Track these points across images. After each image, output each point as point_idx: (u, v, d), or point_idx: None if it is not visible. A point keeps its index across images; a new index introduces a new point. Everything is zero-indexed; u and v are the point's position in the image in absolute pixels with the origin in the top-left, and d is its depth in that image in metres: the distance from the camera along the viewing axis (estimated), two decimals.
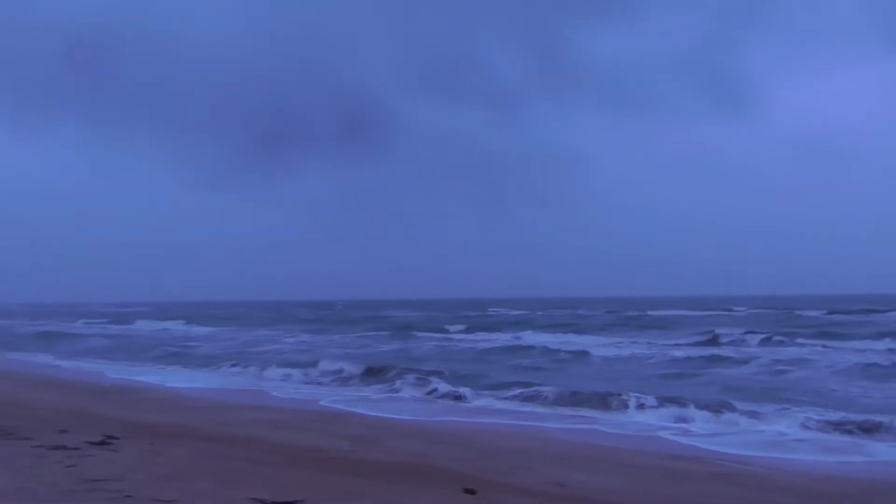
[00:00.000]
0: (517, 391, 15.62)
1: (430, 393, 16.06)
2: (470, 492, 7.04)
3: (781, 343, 26.91)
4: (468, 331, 38.63)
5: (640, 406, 13.38)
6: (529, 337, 33.08)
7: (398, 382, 17.40)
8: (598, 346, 27.50)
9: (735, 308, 60.44)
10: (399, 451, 9.54)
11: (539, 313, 59.76)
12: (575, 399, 14.37)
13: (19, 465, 6.55)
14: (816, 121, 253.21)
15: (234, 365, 22.26)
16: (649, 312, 55.53)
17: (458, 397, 15.41)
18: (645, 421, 12.54)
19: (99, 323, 54.41)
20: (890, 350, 23.14)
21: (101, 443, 8.04)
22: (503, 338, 33.18)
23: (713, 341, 28.81)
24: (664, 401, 13.50)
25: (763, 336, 29.02)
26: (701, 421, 12.30)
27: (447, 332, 38.72)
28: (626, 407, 13.42)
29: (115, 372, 21.18)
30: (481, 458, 9.30)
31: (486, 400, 15.13)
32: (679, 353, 23.86)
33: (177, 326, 49.02)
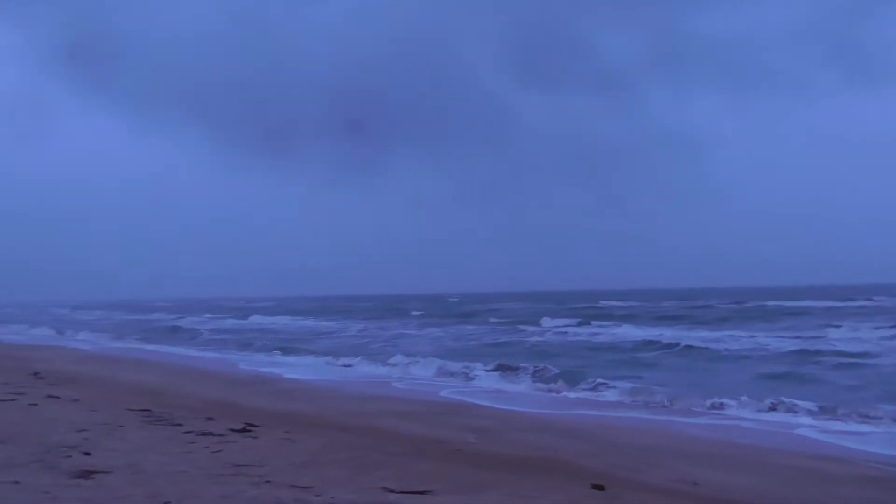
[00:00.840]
0: (639, 385, 15.18)
1: (552, 386, 15.91)
2: (598, 488, 6.91)
3: None
4: (582, 323, 37.95)
5: (775, 403, 12.64)
6: (642, 330, 31.96)
7: (521, 375, 17.36)
8: (722, 338, 26.27)
9: (875, 297, 55.58)
10: (524, 444, 9.50)
11: (652, 304, 57.70)
12: (702, 394, 13.75)
13: (173, 450, 7.08)
14: None
15: (356, 357, 22.99)
16: (780, 303, 52.22)
17: (581, 390, 15.19)
18: (783, 419, 11.82)
19: (224, 317, 57.53)
20: None
21: (242, 430, 8.56)
22: (619, 330, 32.37)
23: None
24: (799, 397, 12.76)
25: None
26: (844, 419, 11.49)
27: (561, 323, 38.29)
28: (761, 403, 12.71)
29: (249, 363, 22.41)
30: (608, 453, 9.10)
31: (609, 394, 14.78)
32: (810, 347, 22.31)
33: (301, 321, 50.82)
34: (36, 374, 14.98)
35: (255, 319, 53.76)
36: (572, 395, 14.94)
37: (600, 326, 35.32)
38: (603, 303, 67.80)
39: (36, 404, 9.74)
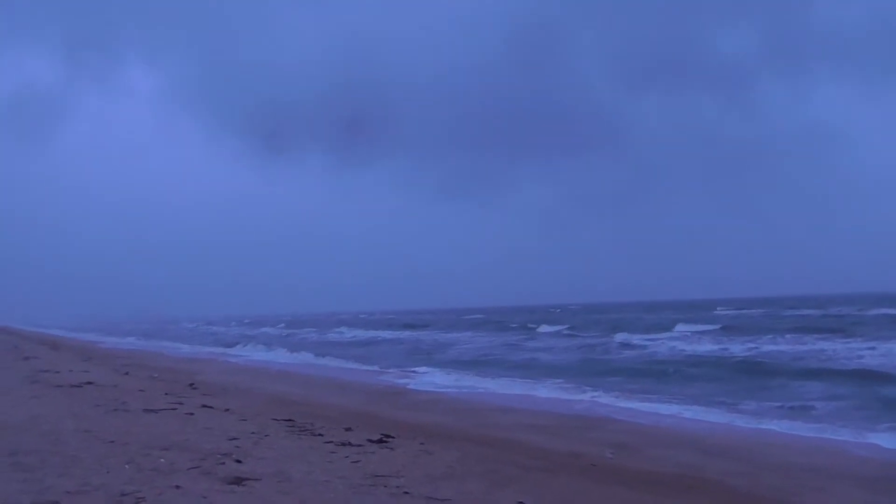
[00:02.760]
0: (794, 403, 14.14)
1: (691, 399, 15.14)
2: None
3: None
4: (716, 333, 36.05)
5: None
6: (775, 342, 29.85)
7: (661, 387, 16.68)
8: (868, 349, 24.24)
9: None
10: (664, 461, 9.07)
11: (786, 313, 53.82)
12: (870, 411, 12.58)
13: (316, 459, 7.35)
14: None
15: (485, 369, 22.89)
16: None
17: (726, 405, 14.34)
18: None
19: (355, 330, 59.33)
20: None
21: (379, 441, 8.77)
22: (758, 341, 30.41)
23: None
24: None
25: None
26: None
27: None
28: None
29: (381, 374, 22.95)
30: (760, 473, 8.50)
31: (757, 407, 13.86)
32: None
33: (428, 334, 51.44)
34: (191, 385, 16.10)
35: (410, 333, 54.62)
36: (714, 409, 13.95)
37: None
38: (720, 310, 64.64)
39: (192, 413, 10.44)
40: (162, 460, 6.65)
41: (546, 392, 17.09)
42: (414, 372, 23.51)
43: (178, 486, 5.66)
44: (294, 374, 23.29)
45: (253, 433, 8.77)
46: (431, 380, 20.72)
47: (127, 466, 6.29)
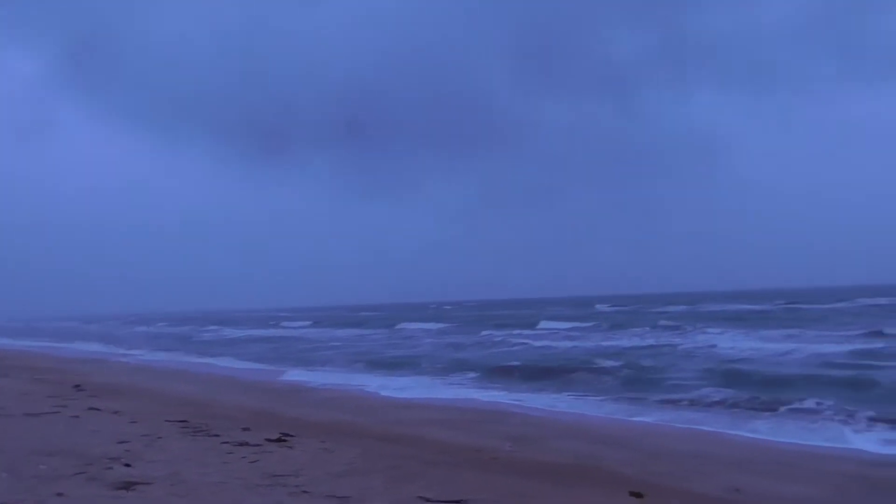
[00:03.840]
0: (687, 393, 14.90)
1: (597, 392, 15.71)
2: (637, 495, 6.79)
3: None
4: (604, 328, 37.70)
5: (819, 407, 12.29)
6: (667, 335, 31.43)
7: (563, 381, 17.18)
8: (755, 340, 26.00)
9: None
10: (563, 452, 9.37)
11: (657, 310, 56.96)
12: (752, 402, 13.41)
13: (211, 460, 7.12)
14: None
15: (393, 365, 22.91)
16: (811, 306, 51.20)
17: (624, 397, 14.97)
18: (830, 425, 11.43)
19: (259, 328, 58.29)
20: None
21: (278, 440, 8.59)
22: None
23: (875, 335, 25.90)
24: (847, 401, 12.39)
25: None
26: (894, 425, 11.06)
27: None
28: (807, 409, 12.35)
29: (284, 373, 22.56)
30: (650, 460, 8.92)
31: (653, 400, 14.53)
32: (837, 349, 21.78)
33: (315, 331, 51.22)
34: (77, 386, 15.25)
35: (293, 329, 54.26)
36: (615, 402, 14.49)
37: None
38: (600, 307, 67.97)
39: (78, 416, 9.89)
40: (44, 467, 6.26)
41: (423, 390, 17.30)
42: (310, 370, 23.27)
43: (61, 494, 5.34)
44: (191, 373, 22.50)
45: (144, 435, 8.40)
46: (328, 376, 20.63)
47: (5, 475, 5.88)
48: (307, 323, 61.97)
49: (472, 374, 19.66)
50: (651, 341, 28.44)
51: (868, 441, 10.11)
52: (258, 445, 8.13)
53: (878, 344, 22.51)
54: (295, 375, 21.28)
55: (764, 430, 11.02)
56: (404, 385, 17.98)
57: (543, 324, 42.21)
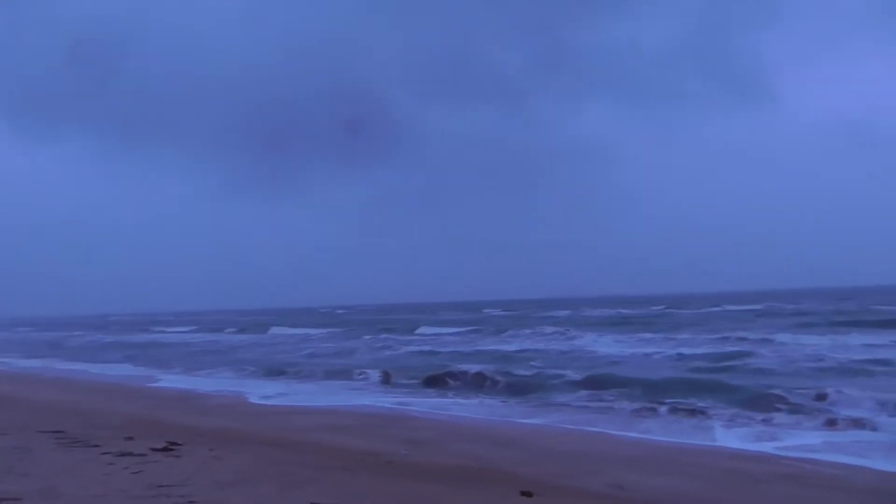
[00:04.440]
0: (571, 395, 15.44)
1: (487, 395, 15.99)
2: (527, 494, 6.96)
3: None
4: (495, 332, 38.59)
5: (691, 408, 13.11)
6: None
7: (451, 384, 17.37)
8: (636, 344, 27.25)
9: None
10: (457, 454, 9.48)
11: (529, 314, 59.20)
12: (632, 403, 14.09)
13: (90, 472, 6.74)
14: (839, 107, 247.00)
15: (282, 372, 22.56)
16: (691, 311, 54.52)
17: (514, 401, 15.33)
18: (702, 424, 12.16)
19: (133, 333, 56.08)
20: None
21: (164, 449, 8.24)
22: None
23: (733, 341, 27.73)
24: (713, 401, 13.35)
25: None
26: (753, 422, 11.93)
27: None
28: (681, 409, 13.12)
29: (170, 379, 21.70)
30: (540, 460, 9.18)
31: (541, 403, 14.96)
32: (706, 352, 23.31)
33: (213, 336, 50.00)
34: None
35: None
36: (505, 404, 14.92)
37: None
38: (488, 311, 69.71)
39: None
40: None
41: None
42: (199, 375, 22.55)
43: None
44: (68, 380, 21.19)
45: (15, 448, 7.85)
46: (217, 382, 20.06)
47: None
48: (189, 328, 60.49)
49: (359, 379, 19.69)
50: (537, 345, 29.34)
51: (733, 437, 10.88)
52: (142, 455, 7.77)
53: (738, 347, 23.83)
54: (177, 382, 20.57)
55: (645, 430, 11.61)
56: (292, 390, 17.76)
57: (423, 329, 42.90)
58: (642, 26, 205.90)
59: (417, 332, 41.62)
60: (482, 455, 9.48)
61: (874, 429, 10.99)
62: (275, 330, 50.83)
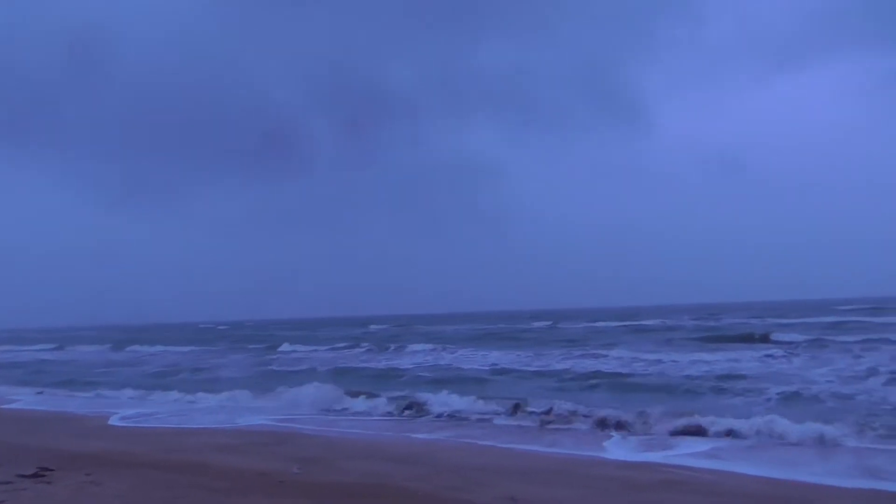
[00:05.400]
0: (470, 406, 15.64)
1: (386, 411, 15.91)
2: None
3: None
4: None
5: (581, 420, 13.60)
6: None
7: (350, 401, 17.18)
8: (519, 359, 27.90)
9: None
10: (352, 472, 9.34)
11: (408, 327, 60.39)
12: (523, 415, 14.44)
13: None
14: (711, 135, 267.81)
15: (154, 389, 21.69)
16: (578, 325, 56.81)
17: (414, 415, 15.35)
18: (591, 436, 12.61)
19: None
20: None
21: (34, 475, 7.66)
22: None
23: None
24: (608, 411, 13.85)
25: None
26: (633, 433, 12.51)
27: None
28: (570, 422, 13.58)
29: (30, 400, 20.29)
30: (436, 475, 9.18)
31: (438, 417, 15.05)
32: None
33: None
34: None
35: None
36: (404, 420, 14.98)
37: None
38: (374, 327, 70.56)
39: None
40: None
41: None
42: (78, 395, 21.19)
43: None
44: None
45: None
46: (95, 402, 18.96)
47: None
48: (49, 345, 57.26)
49: (235, 397, 19.16)
50: (407, 361, 29.89)
51: (619, 448, 11.36)
52: (8, 483, 7.18)
53: (601, 363, 24.85)
54: (40, 403, 19.29)
55: (537, 443, 11.90)
56: (169, 409, 17.09)
57: (284, 346, 42.50)
58: (530, 50, 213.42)
59: (279, 349, 41.39)
60: (376, 471, 9.39)
61: (741, 437, 11.78)
62: (135, 347, 49.67)
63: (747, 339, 33.19)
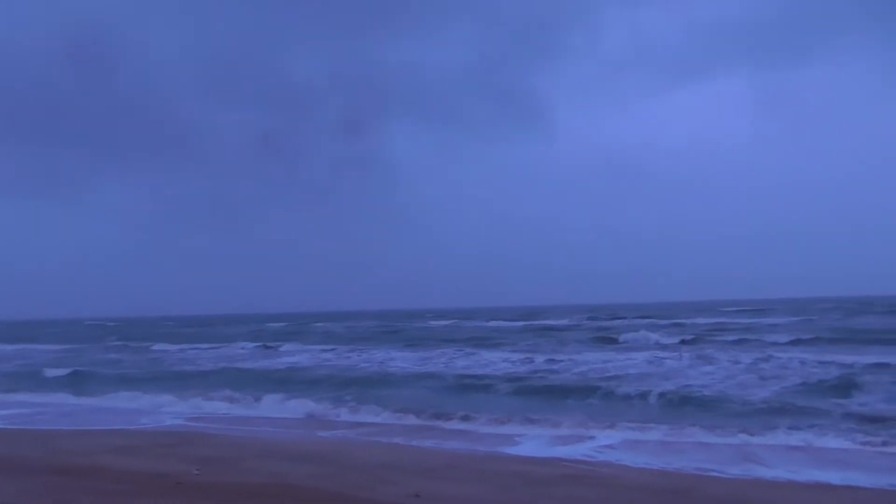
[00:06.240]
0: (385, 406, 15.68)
1: (289, 410, 15.68)
2: None
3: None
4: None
5: (486, 417, 13.94)
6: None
7: (254, 399, 16.83)
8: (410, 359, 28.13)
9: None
10: (255, 472, 9.17)
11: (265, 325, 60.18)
12: (425, 413, 14.61)
13: None
14: (609, 140, 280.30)
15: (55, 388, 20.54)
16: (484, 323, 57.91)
17: (320, 413, 15.22)
18: (498, 432, 12.91)
19: None
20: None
21: None
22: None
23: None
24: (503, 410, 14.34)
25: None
26: (541, 426, 12.96)
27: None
28: (476, 419, 13.87)
29: None
30: (341, 473, 9.15)
31: (346, 416, 14.99)
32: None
33: None
34: None
35: None
36: (308, 418, 14.81)
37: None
38: (270, 325, 69.80)
39: None
40: None
41: None
42: None
43: None
44: None
45: None
46: None
47: None
48: None
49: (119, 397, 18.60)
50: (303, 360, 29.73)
51: (523, 445, 11.69)
52: None
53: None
54: None
55: (442, 440, 12.12)
56: (64, 411, 16.22)
57: (157, 345, 41.67)
58: (434, 50, 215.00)
59: (154, 348, 40.50)
60: (280, 471, 9.25)
61: (633, 433, 12.36)
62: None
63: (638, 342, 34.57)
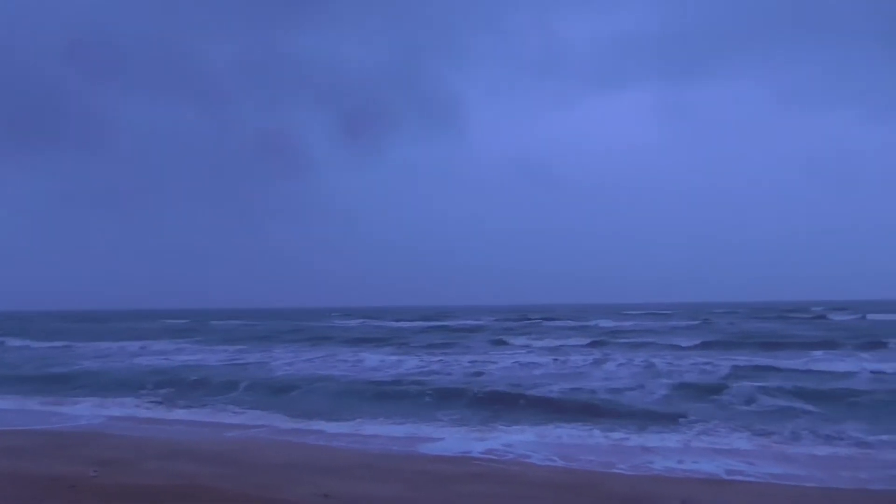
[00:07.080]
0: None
1: (196, 408, 15.25)
2: None
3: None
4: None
5: (402, 415, 14.00)
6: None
7: (152, 396, 16.24)
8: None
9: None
10: (157, 473, 8.87)
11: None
12: (322, 413, 14.53)
13: None
14: (521, 144, 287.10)
15: None
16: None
17: (223, 412, 14.86)
18: (415, 432, 12.94)
19: None
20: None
21: None
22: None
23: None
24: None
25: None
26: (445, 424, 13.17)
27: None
28: (386, 417, 13.92)
29: None
30: (246, 473, 8.98)
31: (244, 414, 14.67)
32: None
33: None
34: None
35: None
36: (213, 417, 14.44)
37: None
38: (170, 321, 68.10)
39: None
40: None
41: None
42: None
43: None
44: None
45: None
46: None
47: None
48: None
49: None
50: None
51: (434, 443, 11.75)
52: None
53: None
54: None
55: (349, 440, 12.09)
56: None
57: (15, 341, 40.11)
58: (351, 43, 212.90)
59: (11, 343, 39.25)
60: (183, 472, 8.99)
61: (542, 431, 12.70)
62: None
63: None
